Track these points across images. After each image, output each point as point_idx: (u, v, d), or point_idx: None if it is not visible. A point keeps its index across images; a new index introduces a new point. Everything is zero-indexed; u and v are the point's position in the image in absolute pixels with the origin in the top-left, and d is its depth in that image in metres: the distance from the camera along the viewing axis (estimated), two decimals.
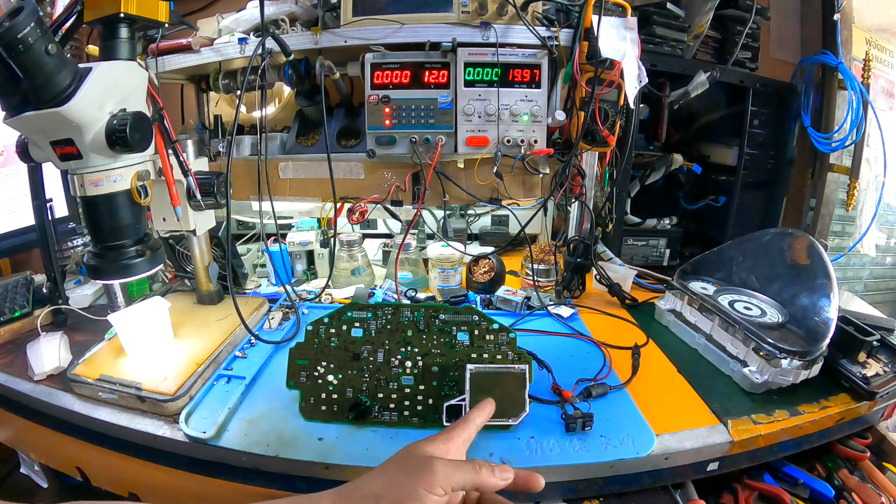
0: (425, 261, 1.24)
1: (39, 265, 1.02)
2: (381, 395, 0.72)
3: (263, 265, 1.27)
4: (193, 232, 0.91)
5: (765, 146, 1.33)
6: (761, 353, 0.78)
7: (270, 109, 1.50)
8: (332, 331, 0.74)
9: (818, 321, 0.80)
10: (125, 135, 0.63)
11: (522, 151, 1.05)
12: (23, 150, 0.74)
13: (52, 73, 0.58)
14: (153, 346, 0.83)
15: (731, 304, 0.90)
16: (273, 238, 1.20)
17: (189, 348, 0.85)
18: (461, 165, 1.11)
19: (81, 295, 1.07)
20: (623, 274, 1.14)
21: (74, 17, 0.72)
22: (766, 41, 1.34)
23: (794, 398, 0.77)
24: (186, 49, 1.13)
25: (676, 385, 0.82)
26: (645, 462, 0.67)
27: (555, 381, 0.78)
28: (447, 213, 1.22)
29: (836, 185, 1.38)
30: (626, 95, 0.98)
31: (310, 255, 1.26)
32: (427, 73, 1.03)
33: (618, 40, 0.97)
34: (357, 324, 0.74)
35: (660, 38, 1.17)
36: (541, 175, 1.11)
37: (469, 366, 0.69)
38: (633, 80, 0.96)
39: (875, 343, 0.82)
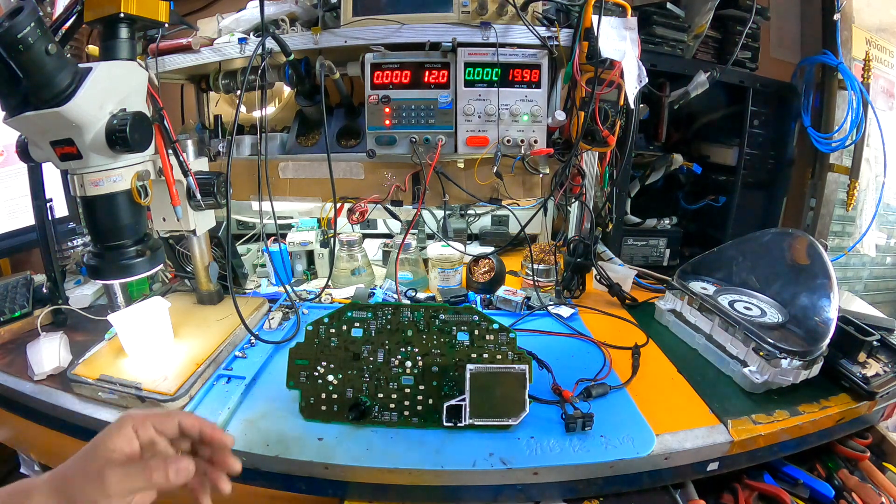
0: (425, 261, 1.24)
1: (39, 265, 1.02)
2: (381, 395, 0.72)
3: (263, 265, 1.27)
4: (193, 232, 0.91)
5: (765, 146, 1.33)
6: (761, 353, 0.78)
7: (270, 109, 1.50)
8: (332, 331, 0.74)
9: (818, 321, 0.80)
10: (125, 135, 0.63)
11: (522, 151, 1.05)
12: (23, 150, 0.74)
13: (52, 73, 0.58)
14: (153, 346, 0.83)
15: (731, 304, 0.90)
16: (273, 238, 1.19)
17: (189, 348, 0.85)
18: (461, 165, 1.11)
19: (81, 295, 1.07)
20: (623, 274, 1.14)
21: (74, 17, 0.72)
22: (766, 41, 1.34)
23: (794, 398, 0.77)
24: (186, 49, 1.13)
25: (676, 385, 0.82)
26: (645, 462, 0.67)
27: (555, 381, 0.78)
28: (447, 213, 1.22)
29: (836, 185, 1.38)
30: (626, 95, 0.98)
31: (310, 255, 1.26)
32: (427, 73, 1.03)
33: (618, 40, 0.97)
34: (357, 324, 0.74)
35: (660, 38, 1.17)
36: (541, 175, 1.11)
37: (469, 366, 0.69)
38: (634, 80, 0.96)
39: (875, 343, 0.82)
